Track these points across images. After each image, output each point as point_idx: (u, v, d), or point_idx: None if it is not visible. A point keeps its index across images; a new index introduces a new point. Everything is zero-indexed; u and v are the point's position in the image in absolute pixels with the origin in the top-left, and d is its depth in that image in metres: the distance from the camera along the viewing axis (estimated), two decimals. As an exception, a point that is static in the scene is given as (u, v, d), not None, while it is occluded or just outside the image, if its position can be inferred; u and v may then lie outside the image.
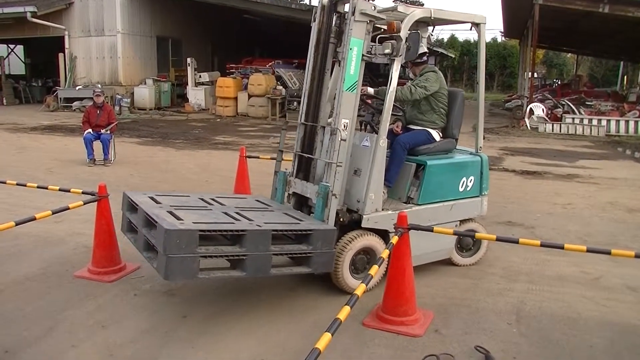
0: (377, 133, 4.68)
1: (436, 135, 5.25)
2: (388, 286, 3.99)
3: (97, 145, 10.14)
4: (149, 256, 3.96)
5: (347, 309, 2.71)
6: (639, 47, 25.77)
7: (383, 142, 4.61)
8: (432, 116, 5.24)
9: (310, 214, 4.63)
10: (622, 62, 36.83)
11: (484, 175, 5.31)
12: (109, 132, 10.21)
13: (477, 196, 5.29)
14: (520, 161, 11.88)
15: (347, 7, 4.56)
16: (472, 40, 50.90)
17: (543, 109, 18.82)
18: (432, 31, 5.64)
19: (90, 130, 10.10)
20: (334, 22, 4.79)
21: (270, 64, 21.95)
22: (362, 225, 4.56)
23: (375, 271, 3.29)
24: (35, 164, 10.10)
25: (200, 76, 21.53)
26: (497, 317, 4.27)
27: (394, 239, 3.73)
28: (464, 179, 5.15)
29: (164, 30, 22.83)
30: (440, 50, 38.17)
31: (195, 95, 21.27)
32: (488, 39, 50.16)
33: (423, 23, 5.31)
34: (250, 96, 19.39)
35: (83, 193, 4.86)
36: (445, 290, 4.77)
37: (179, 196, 4.86)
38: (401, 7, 4.73)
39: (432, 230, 4.09)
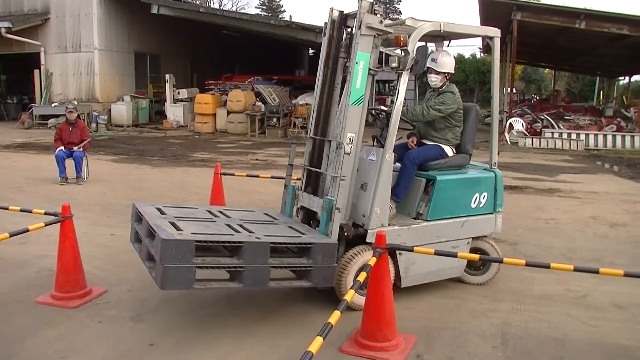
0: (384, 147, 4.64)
1: (449, 150, 5.16)
2: (367, 310, 3.79)
3: (70, 163, 9.85)
4: (149, 266, 3.96)
5: (319, 340, 2.50)
6: (614, 63, 26.09)
7: (389, 156, 4.56)
8: (447, 134, 5.15)
9: (317, 227, 4.59)
10: (598, 78, 37.32)
11: (498, 191, 5.18)
12: (81, 149, 9.92)
13: (491, 213, 5.16)
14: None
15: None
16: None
17: (522, 124, 18.88)
18: (449, 45, 5.50)
19: (62, 147, 9.80)
20: (343, 37, 4.79)
21: (249, 80, 21.81)
22: (367, 240, 4.50)
23: (352, 296, 3.08)
24: (6, 183, 9.76)
25: (178, 92, 21.29)
26: (482, 340, 4.09)
27: (372, 260, 3.54)
28: (477, 195, 5.03)
29: (142, 46, 22.58)
30: (419, 66, 38.30)
31: (174, 112, 21.00)
32: (467, 55, 50.81)
33: (439, 37, 5.32)
34: (229, 112, 19.19)
35: (46, 214, 4.60)
36: (427, 311, 4.58)
37: (186, 208, 4.93)
38: (409, 21, 4.74)
39: (412, 250, 3.91)
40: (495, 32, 5.13)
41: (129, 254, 5.73)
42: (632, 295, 4.93)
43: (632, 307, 4.75)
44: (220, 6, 51.45)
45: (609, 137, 17.89)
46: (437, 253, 3.88)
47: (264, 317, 4.37)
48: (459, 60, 50.11)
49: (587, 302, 4.83)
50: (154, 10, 19.55)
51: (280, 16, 55.52)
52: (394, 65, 4.47)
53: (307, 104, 19.77)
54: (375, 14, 4.48)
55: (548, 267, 3.71)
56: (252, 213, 5.01)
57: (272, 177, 7.70)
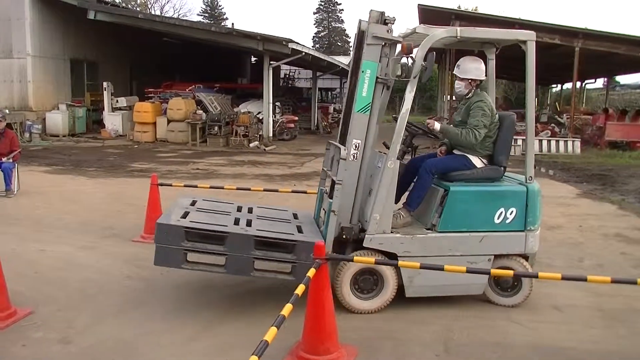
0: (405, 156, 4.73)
1: (477, 161, 4.90)
2: (307, 322, 3.68)
3: (-1, 175, 9.36)
4: None
5: (254, 359, 2.38)
6: (547, 71, 27.00)
7: (391, 163, 4.52)
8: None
9: None
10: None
11: (530, 207, 4.74)
12: (11, 160, 9.43)
13: (521, 231, 4.76)
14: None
15: None
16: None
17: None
18: (497, 51, 5.26)
19: (-11, 159, 9.30)
20: None
21: (190, 88, 21.42)
22: (364, 245, 4.54)
23: (289, 310, 2.97)
24: None
25: (117, 101, 20.67)
26: (424, 348, 4.05)
27: (311, 272, 3.44)
28: (502, 209, 4.69)
29: (79, 52, 21.83)
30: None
31: (112, 121, 20.37)
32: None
33: (489, 44, 5.16)
34: (169, 121, 18.77)
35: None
36: (369, 321, 4.51)
37: (220, 202, 5.37)
38: (420, 29, 4.70)
39: (352, 260, 3.84)
40: (528, 35, 4.73)
41: (60, 271, 5.48)
42: (569, 297, 5.03)
43: (569, 309, 4.84)
44: (161, 13, 50.58)
45: (544, 142, 18.52)
46: (377, 262, 3.81)
47: (195, 338, 4.20)
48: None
49: (527, 305, 4.87)
50: (91, 15, 18.92)
51: (222, 23, 55.13)
52: (398, 73, 4.48)
53: (249, 112, 19.61)
54: (386, 24, 4.47)
55: (488, 274, 3.72)
56: (278, 212, 5.31)
57: (211, 187, 7.51)
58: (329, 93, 36.37)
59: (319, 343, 3.66)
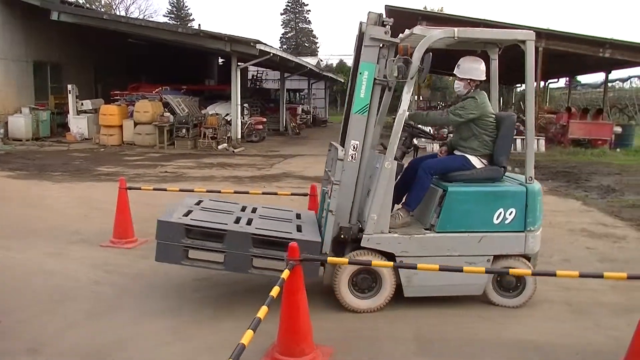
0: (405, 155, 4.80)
1: (477, 162, 4.92)
2: (282, 324, 3.66)
3: (-41, 181, 9.10)
4: None
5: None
6: (511, 71, 27.46)
7: (389, 164, 4.55)
8: (473, 143, 4.94)
9: None
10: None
11: (530, 208, 4.72)
12: (-28, 166, 9.21)
13: (521, 231, 4.75)
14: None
15: None
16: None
17: (430, 130, 19.43)
18: (499, 51, 5.28)
19: (-51, 164, 9.05)
20: None
21: (157, 90, 21.18)
22: (362, 245, 4.60)
23: (265, 313, 2.96)
24: None
25: (82, 104, 20.29)
26: (398, 346, 4.09)
27: (285, 273, 3.44)
28: (501, 210, 4.68)
29: (42, 54, 21.34)
30: (330, 75, 38.82)
31: (78, 124, 19.99)
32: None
33: (491, 44, 5.17)
34: (136, 124, 18.50)
35: None
36: (343, 321, 4.52)
37: (226, 202, 5.49)
38: (417, 30, 4.73)
39: (326, 260, 3.85)
40: (527, 35, 4.71)
41: (27, 279, 5.35)
42: (538, 292, 5.07)
43: (538, 304, 4.92)
44: (126, 14, 49.89)
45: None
46: (351, 262, 3.82)
47: (164, 348, 4.14)
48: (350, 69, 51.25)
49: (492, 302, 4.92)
50: (54, 16, 18.55)
51: (189, 25, 54.63)
52: (394, 74, 4.47)
53: (217, 114, 19.47)
54: (384, 25, 4.51)
55: (461, 270, 3.77)
56: (282, 212, 5.40)
57: (181, 190, 7.43)
58: (297, 94, 36.31)
59: (294, 344, 3.65)
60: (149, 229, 7.00)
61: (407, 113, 4.85)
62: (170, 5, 67.75)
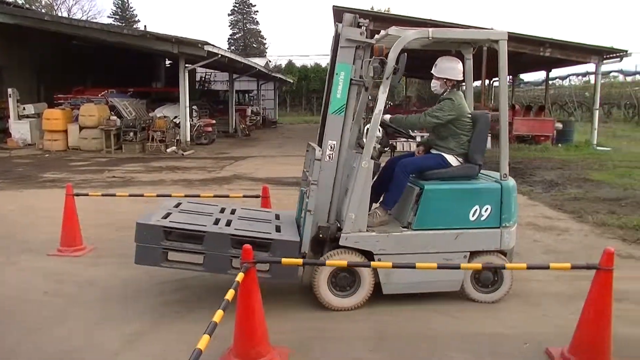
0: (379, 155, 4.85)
1: (453, 160, 4.99)
2: (238, 327, 3.64)
3: None
4: None
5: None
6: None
7: (365, 163, 4.60)
8: (450, 142, 5.01)
9: None
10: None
11: (505, 204, 4.81)
12: None
13: (496, 227, 4.83)
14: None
15: None
16: (308, 66, 52.59)
17: (379, 129, 19.66)
18: (474, 50, 5.34)
19: None
20: None
21: (103, 93, 20.65)
22: (340, 244, 4.64)
23: (221, 316, 2.95)
24: None
25: (24, 108, 19.57)
26: (357, 345, 4.13)
27: (239, 276, 3.42)
28: (477, 207, 4.76)
29: (-21, 58, 20.56)
30: (279, 76, 38.77)
31: (19, 130, 19.29)
32: (323, 65, 52.16)
33: (466, 44, 5.22)
34: (82, 128, 18.01)
35: None
36: (303, 321, 4.54)
37: (206, 204, 5.53)
38: (393, 30, 4.74)
39: (280, 262, 3.85)
40: (499, 34, 4.81)
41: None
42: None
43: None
44: (68, 15, 48.56)
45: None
46: (305, 263, 3.84)
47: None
48: (316, 69, 51.54)
49: (451, 295, 5.00)
50: (-10, 18, 17.92)
51: (134, 26, 53.49)
52: (370, 75, 4.51)
53: (165, 117, 19.16)
54: (360, 26, 4.57)
55: (414, 267, 3.85)
56: (261, 213, 5.49)
57: (130, 195, 7.29)
58: (247, 95, 36.06)
59: (250, 347, 3.64)
60: (98, 236, 6.91)
61: (388, 117, 4.99)
62: (115, 6, 66.24)
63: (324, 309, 4.76)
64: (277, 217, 5.32)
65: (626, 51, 18.15)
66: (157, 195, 7.36)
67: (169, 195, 7.53)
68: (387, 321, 4.55)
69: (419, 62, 14.03)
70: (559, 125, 20.42)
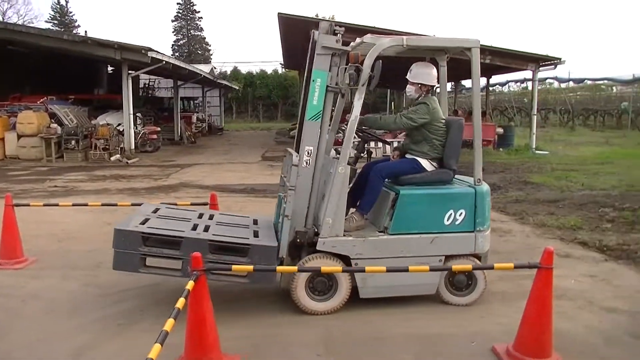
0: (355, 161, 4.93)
1: (428, 165, 5.05)
2: (188, 335, 3.61)
3: None
4: None
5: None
6: (400, 77, 28.62)
7: (342, 168, 4.66)
8: (424, 147, 5.05)
9: None
10: (389, 90, 40.70)
11: (478, 208, 4.88)
12: None
13: (470, 231, 4.89)
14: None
15: None
16: (254, 72, 52.49)
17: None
18: (448, 58, 5.45)
19: None
20: None
21: (42, 100, 19.98)
22: (317, 248, 4.68)
23: (172, 325, 2.92)
24: None
25: (-44, 116, 18.83)
26: (306, 350, 4.14)
27: (189, 284, 3.40)
28: (451, 211, 4.83)
29: None
30: (224, 82, 38.49)
31: (-48, 139, 18.50)
32: (269, 71, 52.20)
33: (440, 51, 5.31)
34: (20, 136, 17.38)
35: None
36: (250, 328, 4.52)
37: (184, 209, 5.60)
38: (368, 38, 4.77)
39: (230, 269, 3.84)
40: (473, 42, 4.88)
41: None
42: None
43: (432, 297, 5.07)
44: (2, 19, 46.88)
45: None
46: (256, 269, 3.84)
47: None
48: (262, 76, 51.48)
49: (398, 299, 5.05)
50: None
51: (74, 31, 52.10)
52: (346, 82, 4.57)
53: (108, 124, 18.72)
54: (336, 34, 4.60)
55: (363, 270, 3.90)
56: (239, 218, 5.48)
57: (74, 205, 7.11)
58: (192, 102, 35.58)
59: (202, 355, 3.61)
60: (40, 248, 6.69)
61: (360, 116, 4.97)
62: (53, 10, 64.27)
63: (274, 314, 4.78)
64: (255, 222, 5.33)
65: (560, 59, 18.88)
66: (102, 205, 7.21)
67: (115, 205, 7.39)
68: (336, 325, 4.58)
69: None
70: (500, 130, 21.06)
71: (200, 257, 3.59)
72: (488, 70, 23.14)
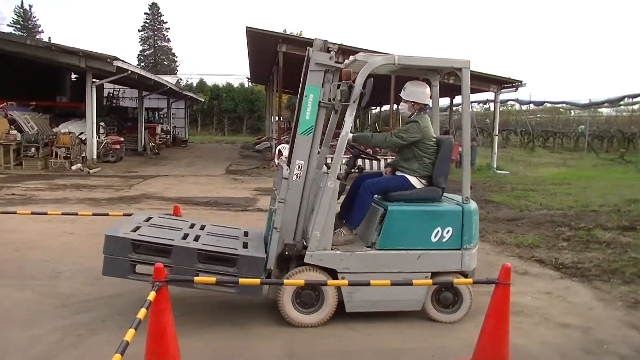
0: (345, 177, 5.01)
1: (416, 182, 5.09)
2: (149, 347, 3.54)
3: None
4: None
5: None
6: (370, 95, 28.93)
7: (331, 183, 4.71)
8: (414, 164, 5.10)
9: None
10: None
11: (466, 226, 4.91)
12: None
13: (457, 249, 4.92)
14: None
15: None
16: (220, 85, 52.33)
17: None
18: (440, 77, 5.58)
19: None
20: None
21: (2, 106, 19.53)
22: (305, 261, 4.72)
23: (132, 335, 2.89)
24: None
25: None
26: (269, 363, 4.13)
27: (151, 295, 3.37)
28: (439, 229, 4.86)
29: None
30: (190, 94, 38.27)
31: None
32: (236, 84, 52.08)
33: (433, 71, 5.40)
34: (-23, 143, 16.98)
35: None
36: (213, 341, 4.48)
37: (177, 220, 5.61)
38: (360, 56, 4.86)
39: (192, 281, 3.83)
40: (463, 62, 4.94)
41: None
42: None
43: (400, 314, 5.12)
44: (-39, 22, 45.67)
45: (367, 162, 19.69)
46: (218, 282, 3.83)
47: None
48: (228, 89, 51.36)
49: (364, 315, 5.03)
50: None
51: (37, 37, 51.13)
52: (338, 98, 4.65)
53: (70, 133, 18.40)
54: (329, 51, 4.70)
55: (325, 284, 3.92)
56: (229, 229, 5.54)
57: (32, 213, 6.96)
58: (157, 113, 35.23)
59: (162, 367, 3.57)
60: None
61: (351, 135, 5.04)
62: (16, 14, 63.02)
63: (237, 327, 4.76)
64: (246, 234, 5.40)
65: (521, 81, 19.44)
66: (62, 214, 7.08)
67: (76, 214, 7.27)
68: (301, 339, 4.59)
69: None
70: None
71: (162, 267, 3.57)
72: (452, 90, 23.62)
